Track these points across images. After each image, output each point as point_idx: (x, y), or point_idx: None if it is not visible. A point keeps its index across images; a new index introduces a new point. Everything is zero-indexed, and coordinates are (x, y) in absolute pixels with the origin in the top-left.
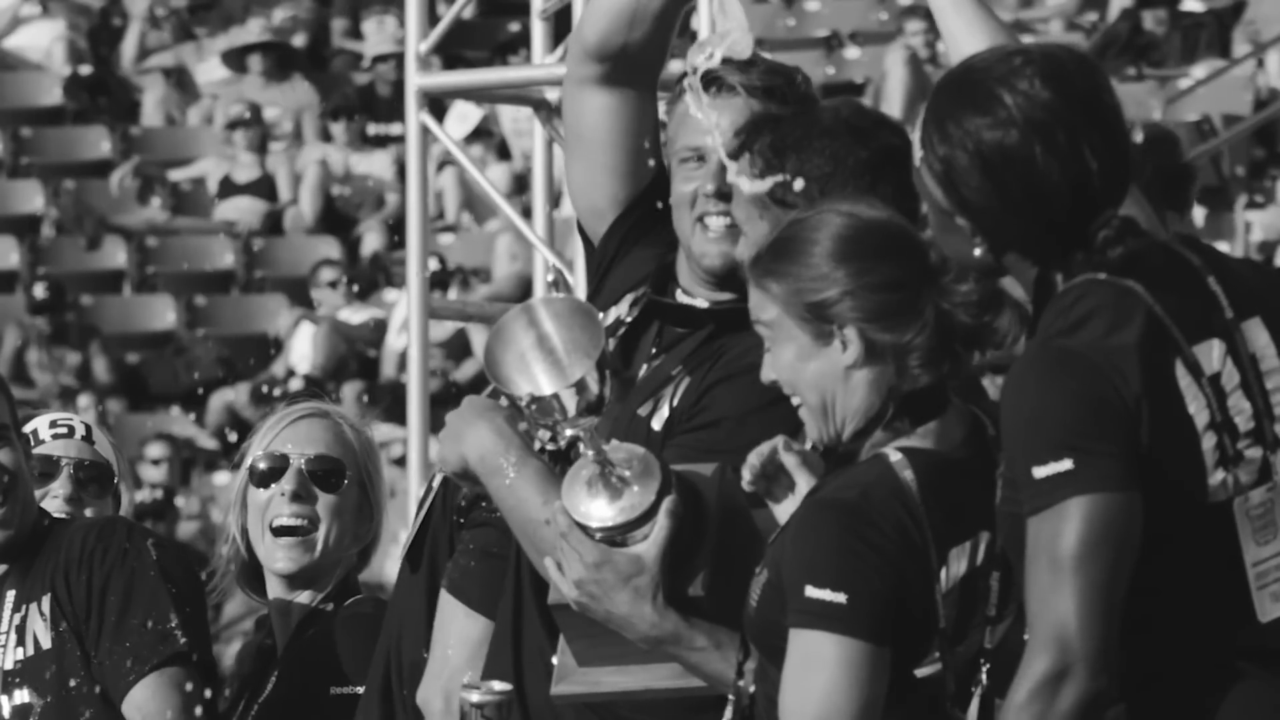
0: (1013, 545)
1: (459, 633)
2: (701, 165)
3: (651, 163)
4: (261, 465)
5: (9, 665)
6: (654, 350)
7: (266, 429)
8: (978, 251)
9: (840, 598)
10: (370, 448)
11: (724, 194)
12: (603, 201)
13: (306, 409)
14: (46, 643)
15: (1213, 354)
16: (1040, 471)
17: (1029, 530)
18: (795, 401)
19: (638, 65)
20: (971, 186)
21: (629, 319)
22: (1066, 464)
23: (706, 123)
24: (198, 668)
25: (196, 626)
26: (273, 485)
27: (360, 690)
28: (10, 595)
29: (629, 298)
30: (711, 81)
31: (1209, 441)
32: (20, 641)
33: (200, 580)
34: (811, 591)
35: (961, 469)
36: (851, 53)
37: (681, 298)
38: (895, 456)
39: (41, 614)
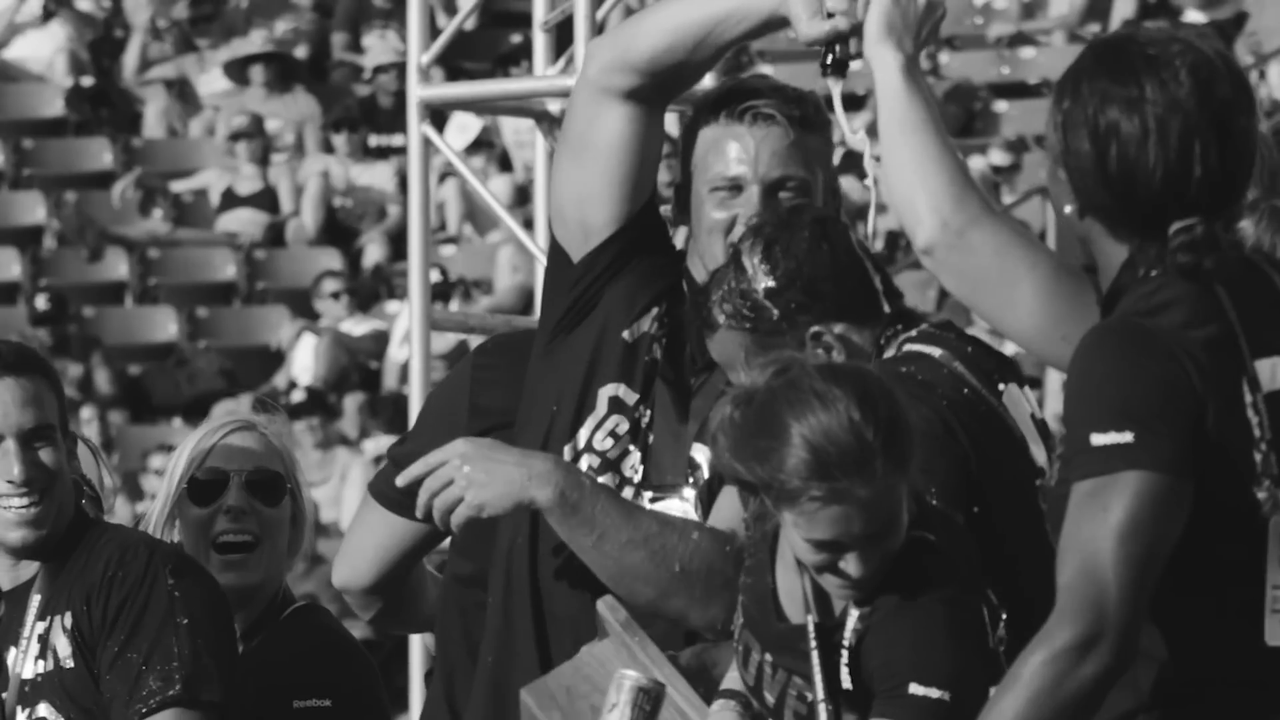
0: (1059, 527)
1: (375, 525)
2: (737, 195)
3: (653, 181)
4: (200, 480)
5: (29, 674)
6: (698, 364)
7: (195, 445)
8: (1068, 209)
9: (945, 695)
10: (294, 457)
11: None
12: (599, 218)
13: (234, 422)
14: (69, 661)
15: (1273, 371)
16: (1099, 439)
17: (1074, 495)
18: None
19: (677, 86)
20: (1078, 146)
21: (659, 334)
22: (1127, 436)
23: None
24: (203, 707)
25: (208, 658)
26: (214, 501)
27: (327, 703)
28: (36, 600)
29: (653, 313)
30: (747, 110)
31: (1256, 455)
32: (42, 653)
33: (226, 610)
34: (916, 689)
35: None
36: (854, 65)
37: None
38: (931, 538)
39: (65, 629)
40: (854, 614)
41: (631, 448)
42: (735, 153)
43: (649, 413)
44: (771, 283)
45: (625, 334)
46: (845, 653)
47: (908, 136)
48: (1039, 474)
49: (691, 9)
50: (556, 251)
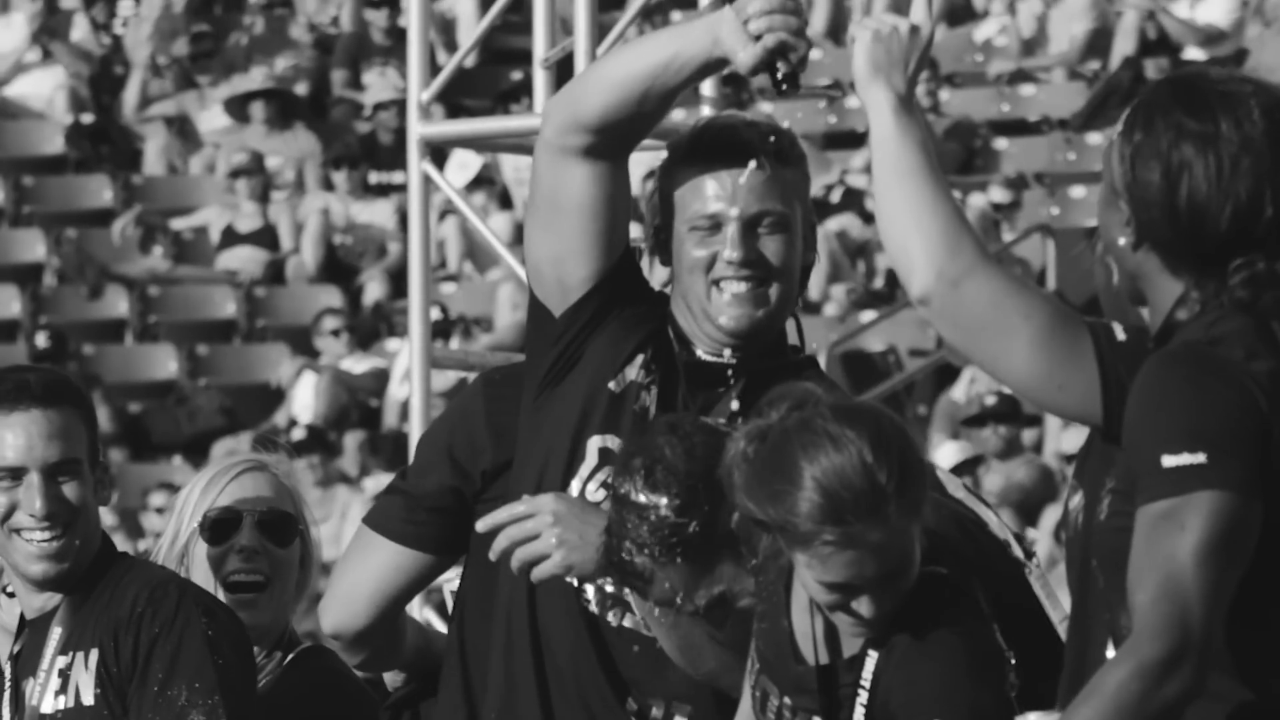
0: (1115, 563)
1: (375, 561)
2: (717, 232)
3: (626, 235)
4: (212, 519)
5: (47, 709)
6: (690, 411)
7: (208, 484)
8: (1122, 240)
9: None
10: (303, 497)
11: (748, 261)
12: (577, 275)
13: (246, 462)
14: (89, 699)
15: None
16: (1170, 461)
17: (1144, 516)
18: (866, 605)
19: (633, 137)
20: (1147, 178)
21: (647, 382)
22: (1200, 457)
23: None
24: None
25: (242, 703)
26: (227, 540)
27: None
28: (57, 632)
29: (638, 360)
30: (721, 148)
31: None
32: (63, 689)
33: (250, 650)
34: None
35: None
36: (853, 101)
37: (704, 356)
38: (944, 571)
39: (87, 668)
40: (872, 655)
41: None
42: (713, 190)
43: None
44: (675, 501)
45: (612, 385)
46: (863, 693)
47: (901, 183)
48: (1006, 547)
49: (632, 61)
50: (537, 307)
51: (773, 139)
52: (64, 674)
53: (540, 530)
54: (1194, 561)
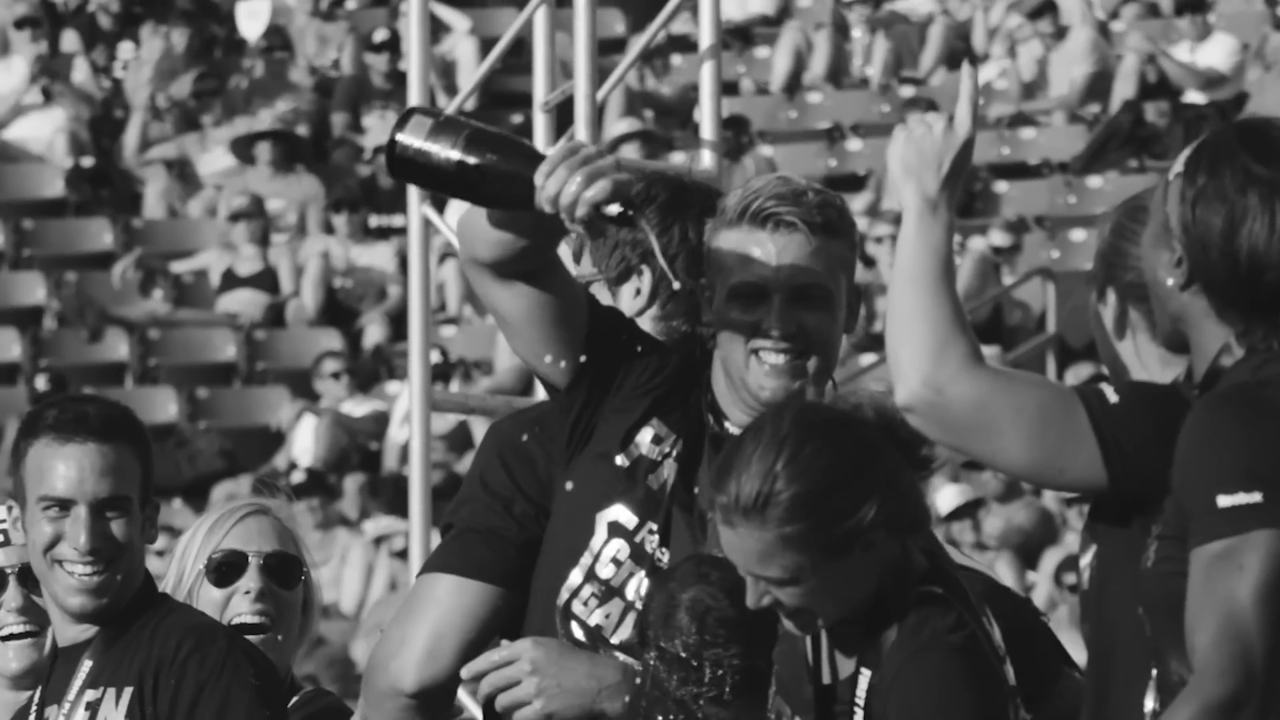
0: (1165, 609)
1: (454, 604)
2: (759, 302)
3: (582, 312)
4: (218, 562)
5: None
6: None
7: (212, 527)
8: (1170, 281)
9: None
10: (304, 541)
11: (788, 334)
12: (556, 370)
13: (249, 505)
14: None
15: None
16: (1225, 501)
17: (1200, 558)
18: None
19: (544, 262)
20: (1208, 219)
21: (660, 455)
22: (1256, 497)
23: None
24: None
25: None
26: (232, 583)
27: None
28: (87, 665)
29: (647, 433)
30: (769, 217)
31: None
32: None
33: (285, 701)
34: None
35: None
36: (853, 144)
37: (731, 428)
38: (939, 590)
39: (118, 705)
40: (865, 674)
41: (634, 573)
42: (757, 260)
43: (655, 536)
44: (738, 647)
45: (619, 459)
46: (859, 712)
47: (906, 289)
48: (1025, 602)
49: (505, 230)
50: (546, 385)
51: (820, 210)
52: (92, 707)
53: (519, 678)
54: (1254, 600)
